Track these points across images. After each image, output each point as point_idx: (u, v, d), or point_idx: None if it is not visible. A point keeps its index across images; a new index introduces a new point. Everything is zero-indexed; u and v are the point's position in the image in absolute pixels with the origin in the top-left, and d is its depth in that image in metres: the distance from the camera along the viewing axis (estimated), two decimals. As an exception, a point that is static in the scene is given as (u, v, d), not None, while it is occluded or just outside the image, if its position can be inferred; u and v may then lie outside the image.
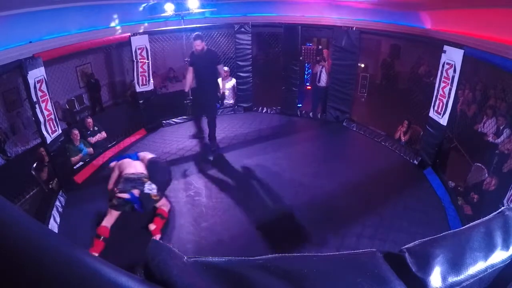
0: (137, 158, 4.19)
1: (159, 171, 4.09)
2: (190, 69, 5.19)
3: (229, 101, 7.36)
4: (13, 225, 0.42)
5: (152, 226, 3.82)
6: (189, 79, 5.25)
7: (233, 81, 7.22)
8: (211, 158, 5.52)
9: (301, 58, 7.17)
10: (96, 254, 3.41)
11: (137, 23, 6.11)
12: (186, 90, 5.55)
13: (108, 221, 3.67)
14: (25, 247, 0.40)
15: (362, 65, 7.78)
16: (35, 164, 4.58)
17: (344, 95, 6.60)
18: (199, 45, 4.98)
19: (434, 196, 4.56)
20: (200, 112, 5.77)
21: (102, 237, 3.61)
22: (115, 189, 3.70)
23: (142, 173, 3.86)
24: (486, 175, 4.25)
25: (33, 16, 4.15)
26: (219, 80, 7.26)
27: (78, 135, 5.34)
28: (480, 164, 4.44)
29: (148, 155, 4.27)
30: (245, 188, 4.69)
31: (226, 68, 7.17)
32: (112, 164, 4.14)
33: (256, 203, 4.39)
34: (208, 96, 5.32)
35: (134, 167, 3.90)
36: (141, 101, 6.30)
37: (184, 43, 6.58)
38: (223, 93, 6.69)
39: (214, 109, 5.68)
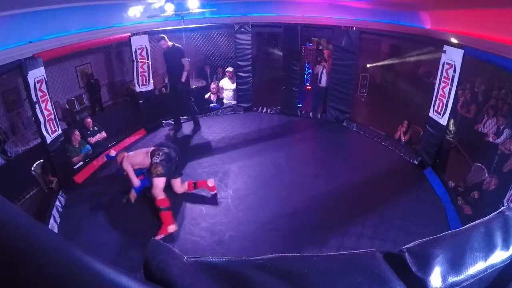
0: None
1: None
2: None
3: (233, 101, 7.36)
4: (13, 225, 0.42)
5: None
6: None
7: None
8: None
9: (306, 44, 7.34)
10: (172, 226, 3.82)
11: (137, 23, 6.10)
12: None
13: (161, 192, 3.89)
14: (25, 247, 0.40)
15: (368, 65, 7.78)
16: (35, 165, 4.58)
17: (344, 95, 6.60)
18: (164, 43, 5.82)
19: (434, 196, 4.56)
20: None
21: (166, 208, 3.84)
22: (158, 163, 3.95)
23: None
24: (486, 175, 4.25)
25: (33, 16, 4.14)
26: (226, 80, 7.28)
27: (79, 136, 5.34)
28: (480, 164, 4.44)
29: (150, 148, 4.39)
30: (245, 188, 4.69)
31: (231, 69, 7.18)
32: (120, 158, 4.23)
33: (256, 203, 4.38)
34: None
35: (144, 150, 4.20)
36: (141, 101, 6.30)
37: (184, 43, 6.57)
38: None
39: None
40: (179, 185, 4.28)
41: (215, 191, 4.44)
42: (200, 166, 5.23)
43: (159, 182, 3.92)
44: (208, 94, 7.29)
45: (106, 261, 0.47)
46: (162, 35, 5.87)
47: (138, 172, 4.22)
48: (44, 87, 4.30)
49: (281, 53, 7.26)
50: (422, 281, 0.64)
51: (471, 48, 4.19)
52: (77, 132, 5.29)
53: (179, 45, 6.05)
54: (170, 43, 5.88)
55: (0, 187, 3.84)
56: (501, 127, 5.07)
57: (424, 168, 5.11)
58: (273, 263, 0.62)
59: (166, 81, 6.41)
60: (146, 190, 4.27)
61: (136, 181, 4.11)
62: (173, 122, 6.67)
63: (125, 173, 4.14)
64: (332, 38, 6.44)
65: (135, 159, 4.11)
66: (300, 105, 7.33)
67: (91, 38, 5.29)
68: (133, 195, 4.31)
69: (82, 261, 0.44)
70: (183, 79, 5.97)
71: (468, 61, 4.41)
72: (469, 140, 5.35)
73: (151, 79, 6.29)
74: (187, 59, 5.98)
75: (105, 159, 4.36)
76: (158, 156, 3.99)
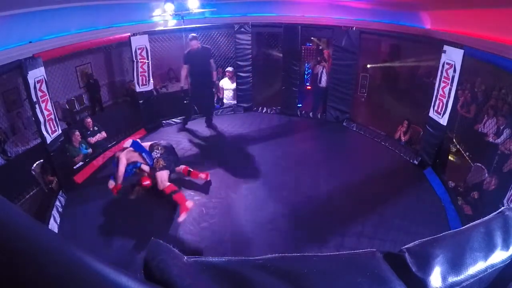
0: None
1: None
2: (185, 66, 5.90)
3: (233, 101, 7.36)
4: (13, 225, 0.42)
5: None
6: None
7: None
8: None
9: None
10: (189, 204, 4.03)
11: (137, 23, 6.10)
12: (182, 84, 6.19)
13: (166, 182, 4.06)
14: (25, 247, 0.40)
15: (368, 66, 7.79)
16: (35, 165, 4.58)
17: (344, 95, 6.60)
18: (195, 44, 5.71)
19: (434, 196, 4.56)
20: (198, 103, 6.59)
21: (176, 190, 4.06)
22: (159, 157, 4.10)
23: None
24: (486, 175, 4.25)
25: (33, 16, 4.14)
26: (226, 80, 7.28)
27: (79, 136, 5.34)
28: (480, 164, 4.44)
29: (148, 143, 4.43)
30: (245, 188, 4.69)
31: (231, 69, 7.18)
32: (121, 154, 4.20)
33: (256, 203, 4.38)
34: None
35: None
36: (141, 101, 6.30)
37: (184, 43, 6.58)
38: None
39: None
40: (166, 178, 4.20)
41: (208, 178, 4.72)
42: (200, 166, 5.22)
43: (163, 175, 4.07)
44: (208, 94, 7.28)
45: (106, 261, 0.47)
46: (194, 34, 5.83)
47: (132, 166, 4.19)
48: (44, 87, 4.30)
49: (280, 54, 7.26)
50: (422, 281, 0.64)
51: (471, 48, 4.19)
52: (77, 133, 5.30)
53: (207, 46, 6.11)
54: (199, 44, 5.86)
55: (0, 187, 3.85)
56: (501, 127, 5.07)
57: (424, 168, 5.11)
58: (273, 263, 0.62)
59: (183, 84, 6.14)
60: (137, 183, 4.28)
61: (120, 175, 4.04)
62: (180, 121, 6.75)
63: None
64: (332, 38, 6.44)
65: (134, 153, 4.15)
66: (300, 105, 7.33)
67: (91, 38, 5.29)
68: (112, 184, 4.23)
69: (82, 261, 0.44)
70: (215, 79, 6.26)
71: (468, 61, 4.41)
72: (469, 140, 5.36)
73: (151, 79, 6.30)
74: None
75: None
76: (157, 151, 4.11)
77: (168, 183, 4.10)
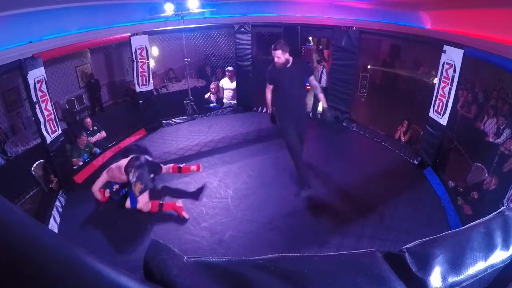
0: None
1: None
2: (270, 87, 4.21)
3: (233, 101, 7.37)
4: (13, 225, 0.42)
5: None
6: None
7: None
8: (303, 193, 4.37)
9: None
10: (179, 203, 4.09)
11: (137, 23, 6.10)
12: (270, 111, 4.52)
13: (148, 204, 3.95)
14: (25, 247, 0.40)
15: (369, 66, 7.79)
16: (35, 165, 4.58)
17: (344, 95, 6.60)
18: (280, 57, 3.86)
19: (434, 196, 4.55)
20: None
21: (161, 204, 4.04)
22: (136, 181, 3.82)
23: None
24: (486, 175, 4.25)
25: (33, 16, 4.15)
26: (226, 80, 7.26)
27: (85, 139, 5.34)
28: (480, 164, 4.44)
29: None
30: (245, 188, 4.69)
31: (230, 68, 7.18)
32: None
33: (256, 203, 4.38)
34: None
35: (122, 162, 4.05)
36: (141, 101, 6.31)
37: (184, 43, 6.58)
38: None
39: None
40: (147, 200, 3.97)
41: (201, 169, 4.72)
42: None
43: (143, 198, 3.88)
44: (208, 94, 7.30)
45: (106, 261, 0.47)
46: (283, 42, 4.05)
47: (121, 185, 4.26)
48: (44, 87, 4.30)
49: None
50: (422, 281, 0.64)
51: (471, 48, 4.19)
52: (84, 136, 5.30)
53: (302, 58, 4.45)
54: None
55: (0, 187, 3.85)
56: (501, 127, 5.07)
57: (424, 168, 5.11)
58: (273, 263, 0.62)
59: (271, 110, 4.50)
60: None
61: (97, 195, 4.16)
62: (181, 121, 6.73)
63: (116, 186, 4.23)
64: (332, 38, 6.44)
65: (116, 173, 4.00)
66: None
67: (91, 38, 5.29)
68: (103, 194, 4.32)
69: (82, 261, 0.44)
70: (325, 105, 4.25)
71: (469, 61, 4.40)
72: (469, 140, 5.35)
73: (151, 79, 6.30)
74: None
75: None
76: (132, 174, 3.81)
77: (150, 206, 3.95)
